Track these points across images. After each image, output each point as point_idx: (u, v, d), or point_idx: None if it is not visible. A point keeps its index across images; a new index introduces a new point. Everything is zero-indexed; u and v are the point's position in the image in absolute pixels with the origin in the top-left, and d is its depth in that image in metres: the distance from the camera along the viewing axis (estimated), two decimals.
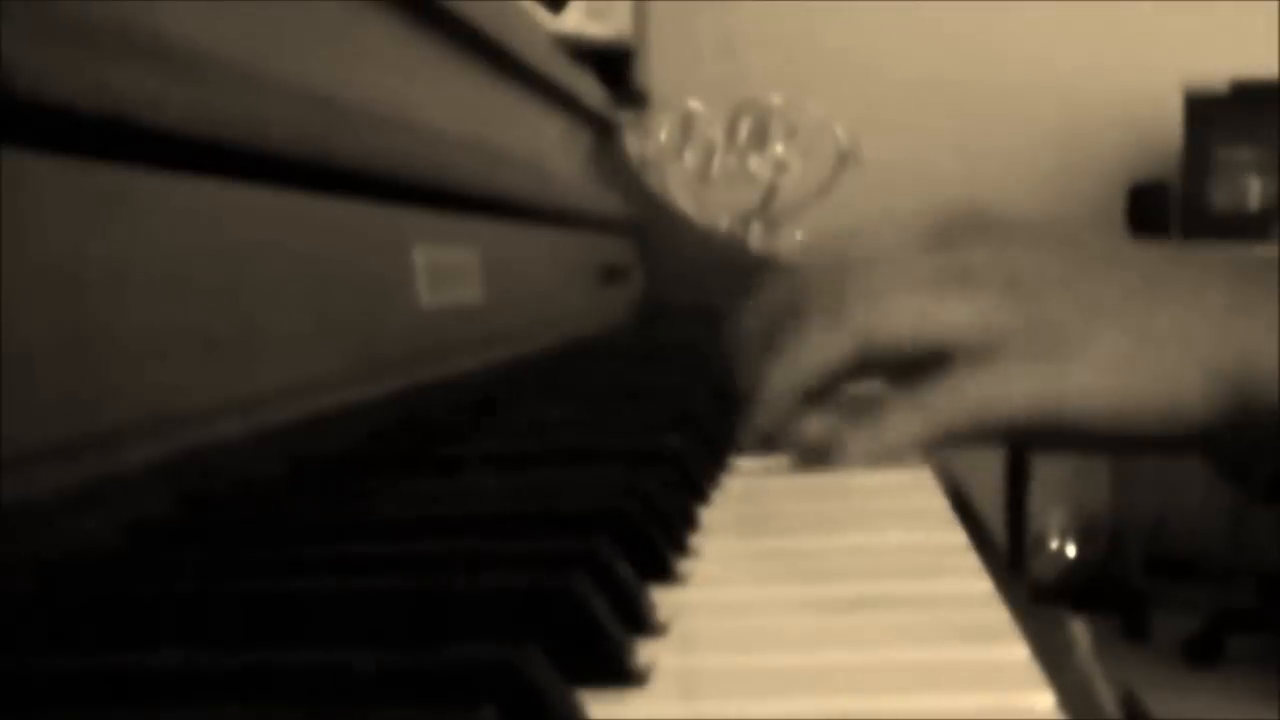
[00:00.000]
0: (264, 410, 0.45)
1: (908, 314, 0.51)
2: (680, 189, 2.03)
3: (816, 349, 0.52)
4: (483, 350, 0.72)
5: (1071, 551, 2.87)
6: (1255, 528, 2.71)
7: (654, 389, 0.71)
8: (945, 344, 0.50)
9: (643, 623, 0.33)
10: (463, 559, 0.35)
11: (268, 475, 0.44)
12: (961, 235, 0.53)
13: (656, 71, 2.51)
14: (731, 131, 2.23)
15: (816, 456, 0.52)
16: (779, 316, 0.54)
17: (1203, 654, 2.52)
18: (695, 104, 2.21)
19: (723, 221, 2.11)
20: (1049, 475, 2.66)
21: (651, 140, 2.06)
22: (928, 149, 2.82)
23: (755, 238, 2.16)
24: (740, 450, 0.56)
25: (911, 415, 0.50)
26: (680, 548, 0.41)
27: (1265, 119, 2.63)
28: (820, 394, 0.53)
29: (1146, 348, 0.50)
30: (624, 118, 1.43)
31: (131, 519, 0.36)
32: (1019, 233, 0.53)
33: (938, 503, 0.48)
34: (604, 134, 1.32)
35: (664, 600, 0.35)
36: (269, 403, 0.46)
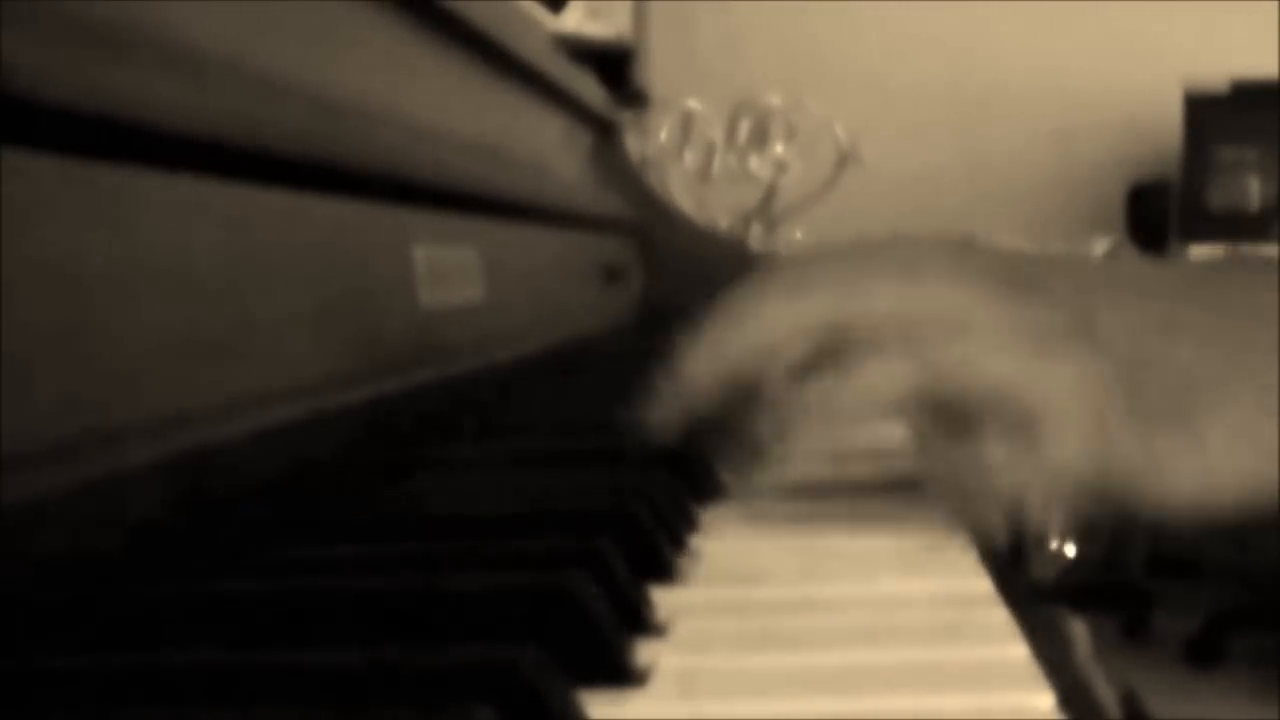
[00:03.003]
0: (263, 410, 0.45)
1: (999, 368, 0.42)
2: (680, 189, 2.03)
3: (888, 385, 0.43)
4: (483, 350, 0.72)
5: (1071, 551, 2.87)
6: (1256, 527, 2.70)
7: (654, 389, 0.71)
8: (1032, 411, 0.42)
9: (643, 623, 0.33)
10: (463, 559, 0.35)
11: (267, 475, 0.44)
12: (1034, 274, 0.45)
13: (656, 71, 2.50)
14: (731, 131, 2.23)
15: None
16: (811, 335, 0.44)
17: (1203, 654, 2.52)
18: (695, 104, 2.21)
19: (723, 221, 2.11)
20: None
21: (651, 140, 2.06)
22: (928, 149, 2.82)
23: (755, 238, 2.16)
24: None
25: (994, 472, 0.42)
26: (681, 548, 0.41)
27: (1265, 119, 2.63)
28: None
29: (1257, 423, 0.41)
30: (624, 118, 1.43)
31: (131, 519, 0.36)
32: (1089, 273, 0.45)
33: (939, 502, 0.48)
34: (604, 134, 1.32)
35: (664, 600, 0.35)
36: (268, 402, 0.46)
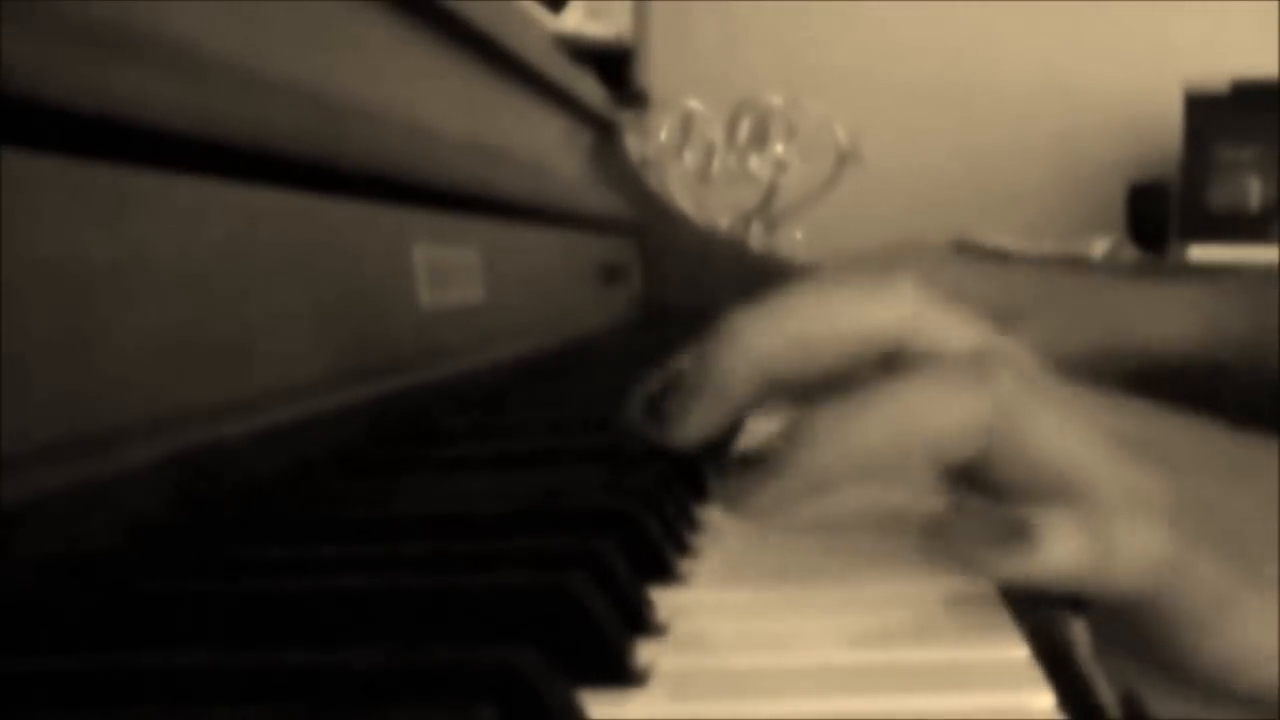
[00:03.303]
0: (263, 410, 0.45)
1: (1070, 436, 0.36)
2: (680, 189, 2.03)
3: (936, 421, 0.36)
4: (482, 350, 0.72)
5: None
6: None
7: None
8: (1088, 493, 0.35)
9: (643, 623, 0.33)
10: (462, 559, 0.35)
11: (267, 475, 0.44)
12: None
13: (656, 71, 2.50)
14: (731, 131, 2.23)
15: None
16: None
17: None
18: (695, 104, 2.21)
19: (723, 221, 2.11)
20: None
21: (651, 140, 2.06)
22: (928, 149, 2.82)
23: (755, 238, 2.16)
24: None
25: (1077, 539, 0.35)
26: (681, 548, 0.41)
27: (1265, 119, 2.63)
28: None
29: None
30: (624, 118, 1.43)
31: (132, 519, 0.36)
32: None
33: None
34: (604, 134, 1.32)
35: (664, 600, 0.35)
36: (268, 402, 0.46)
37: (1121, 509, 0.35)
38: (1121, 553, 0.35)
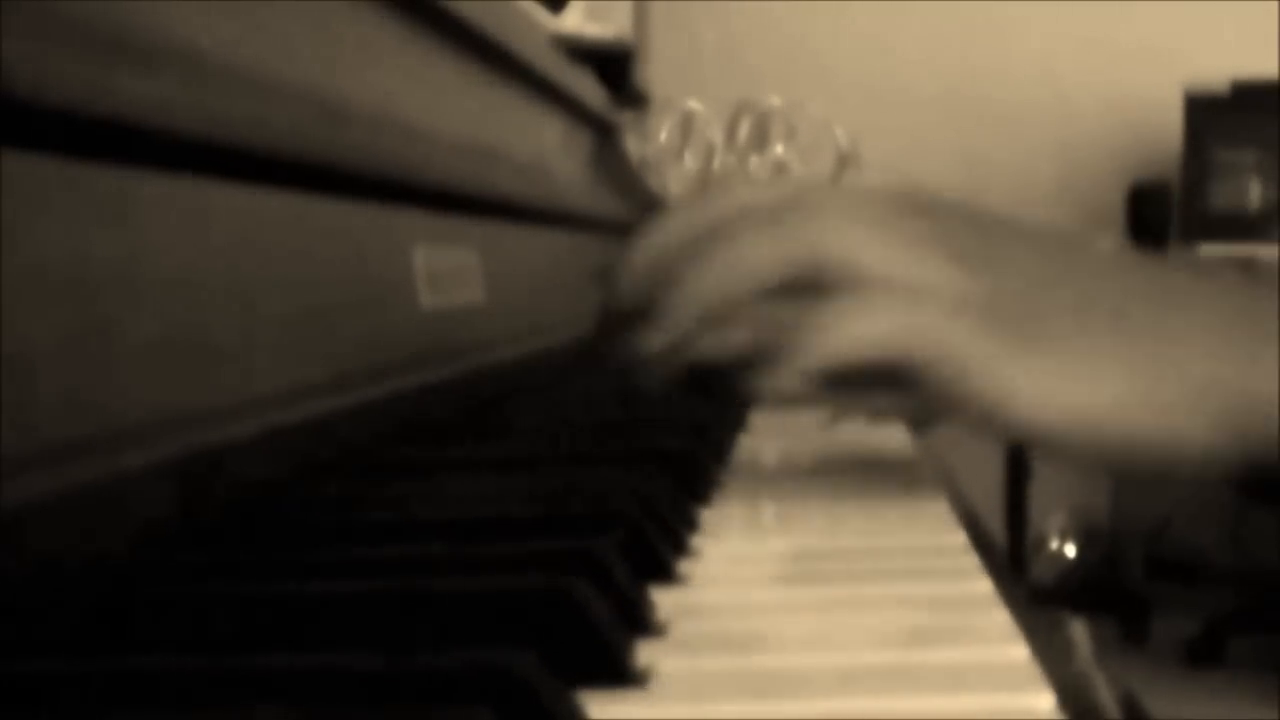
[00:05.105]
0: (263, 412, 0.45)
1: (869, 244, 0.46)
2: (680, 189, 2.03)
3: (752, 252, 0.46)
4: (483, 352, 0.72)
5: (1071, 553, 2.87)
6: (1255, 529, 2.71)
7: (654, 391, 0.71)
8: (874, 276, 0.45)
9: (642, 623, 0.33)
10: (463, 561, 0.35)
11: (266, 477, 0.44)
12: (942, 212, 0.49)
13: (656, 71, 2.50)
14: (731, 132, 2.23)
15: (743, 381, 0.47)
16: (693, 233, 0.48)
17: (1203, 655, 2.52)
18: (695, 104, 2.21)
19: None
20: (1049, 476, 2.66)
21: (651, 141, 2.06)
22: (927, 150, 2.82)
23: None
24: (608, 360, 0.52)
25: (821, 337, 0.45)
26: (680, 548, 0.41)
27: (1265, 119, 2.63)
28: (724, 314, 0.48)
29: (1148, 364, 0.45)
30: (624, 118, 1.43)
31: (132, 520, 0.36)
32: (1006, 225, 0.50)
33: (938, 504, 0.48)
34: (604, 134, 1.32)
35: (664, 600, 0.35)
36: (268, 404, 0.46)
37: (934, 295, 0.45)
38: (918, 325, 0.44)
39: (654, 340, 0.48)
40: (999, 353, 0.44)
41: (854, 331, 0.45)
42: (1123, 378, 0.45)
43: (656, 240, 0.50)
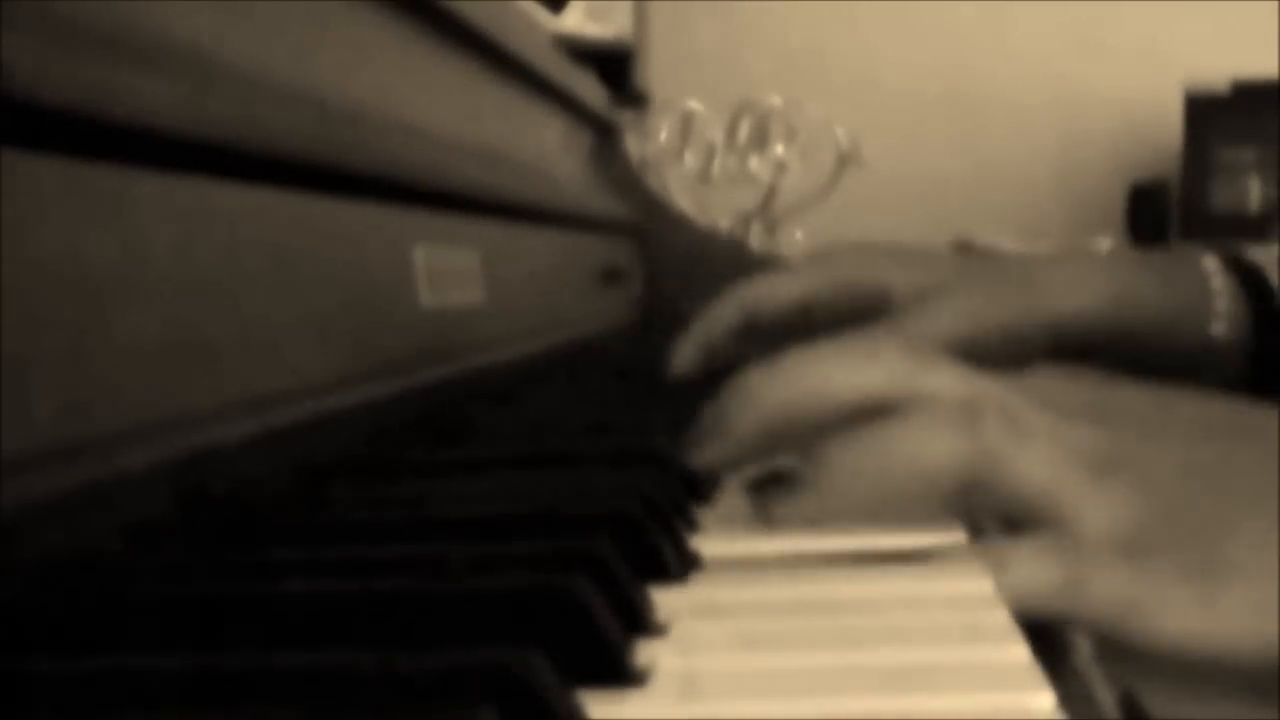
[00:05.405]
0: (263, 411, 0.45)
1: (1046, 474, 0.40)
2: (680, 189, 2.03)
3: (937, 453, 0.40)
4: (482, 351, 0.72)
5: None
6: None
7: (654, 390, 0.71)
8: (1065, 525, 0.40)
9: (643, 623, 0.33)
10: (463, 560, 0.35)
11: (266, 476, 0.44)
12: (1096, 399, 0.45)
13: (656, 71, 2.50)
14: (731, 132, 2.23)
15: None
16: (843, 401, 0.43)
17: None
18: (695, 104, 2.21)
19: (723, 222, 2.11)
20: None
21: (651, 140, 2.06)
22: (928, 150, 2.82)
23: (755, 238, 2.16)
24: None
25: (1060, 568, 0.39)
26: (681, 548, 0.41)
27: (1265, 119, 2.63)
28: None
29: None
30: (624, 118, 1.43)
31: (132, 520, 0.36)
32: (1147, 405, 0.45)
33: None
34: (604, 134, 1.32)
35: (664, 600, 0.35)
36: (268, 404, 0.46)
37: (1092, 542, 0.39)
38: (1089, 584, 0.38)
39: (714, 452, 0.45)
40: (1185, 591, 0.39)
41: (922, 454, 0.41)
42: None
43: (800, 389, 0.44)
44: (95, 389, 0.36)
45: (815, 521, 0.42)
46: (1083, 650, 0.41)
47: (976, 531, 0.43)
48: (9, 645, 0.29)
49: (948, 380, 0.43)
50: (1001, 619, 0.34)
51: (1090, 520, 0.39)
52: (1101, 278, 0.65)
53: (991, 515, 0.42)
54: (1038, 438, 0.41)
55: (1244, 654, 0.40)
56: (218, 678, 0.26)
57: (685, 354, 0.61)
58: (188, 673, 0.26)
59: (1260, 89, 2.64)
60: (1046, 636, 0.36)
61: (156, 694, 0.26)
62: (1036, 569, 0.38)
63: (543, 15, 1.39)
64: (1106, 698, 0.40)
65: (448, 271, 0.68)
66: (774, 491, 0.43)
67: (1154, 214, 2.72)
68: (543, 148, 1.09)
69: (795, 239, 2.19)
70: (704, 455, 0.45)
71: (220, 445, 0.41)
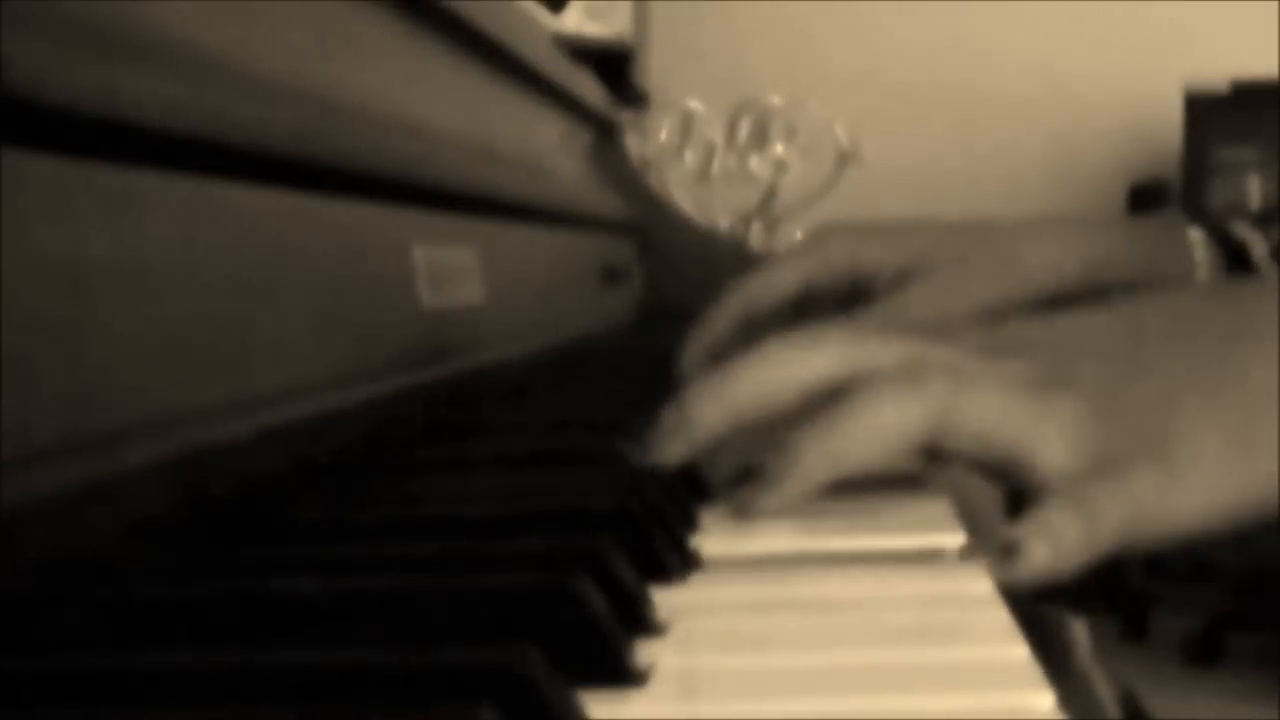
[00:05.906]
0: (263, 410, 0.45)
1: (996, 413, 0.44)
2: (680, 189, 2.03)
3: (891, 420, 0.43)
4: (483, 351, 0.72)
5: None
6: (1255, 528, 2.71)
7: (654, 390, 0.71)
8: (1027, 463, 0.43)
9: (643, 623, 0.33)
10: (463, 559, 0.35)
11: (266, 475, 0.44)
12: (1011, 335, 0.48)
13: (656, 71, 2.50)
14: (731, 131, 2.23)
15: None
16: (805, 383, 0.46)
17: (1203, 654, 2.52)
18: (695, 104, 2.21)
19: (723, 221, 2.11)
20: None
21: (651, 140, 2.06)
22: (928, 149, 2.82)
23: (755, 238, 2.16)
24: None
25: (1073, 522, 0.41)
26: (682, 548, 0.41)
27: (1265, 119, 2.63)
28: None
29: (1246, 429, 0.43)
30: (624, 118, 1.43)
31: (132, 519, 0.36)
32: (1061, 328, 0.48)
33: (939, 504, 0.48)
34: (604, 134, 1.32)
35: (664, 600, 0.35)
36: (268, 403, 0.46)
37: (1059, 465, 0.42)
38: (1098, 520, 0.41)
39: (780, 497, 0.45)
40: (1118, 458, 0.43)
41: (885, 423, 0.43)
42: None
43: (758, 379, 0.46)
44: (95, 389, 0.36)
45: (792, 508, 0.44)
46: (1083, 650, 0.41)
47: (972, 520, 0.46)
48: (9, 645, 0.29)
49: (888, 351, 0.46)
50: (1002, 619, 0.34)
51: (1049, 442, 0.43)
52: (1081, 241, 0.66)
53: (966, 464, 0.45)
54: (980, 381, 0.44)
55: (1221, 511, 0.43)
56: (217, 676, 0.26)
57: (694, 358, 0.61)
58: (187, 671, 0.26)
59: (1260, 89, 2.64)
60: (1047, 636, 0.36)
61: (156, 693, 0.26)
62: (1050, 541, 0.41)
63: (543, 15, 1.39)
64: (1106, 698, 0.40)
65: (448, 271, 0.68)
66: (749, 487, 0.45)
67: (1154, 213, 2.72)
68: (543, 147, 1.09)
69: (795, 238, 2.19)
70: (666, 452, 0.47)
71: (220, 445, 0.41)
